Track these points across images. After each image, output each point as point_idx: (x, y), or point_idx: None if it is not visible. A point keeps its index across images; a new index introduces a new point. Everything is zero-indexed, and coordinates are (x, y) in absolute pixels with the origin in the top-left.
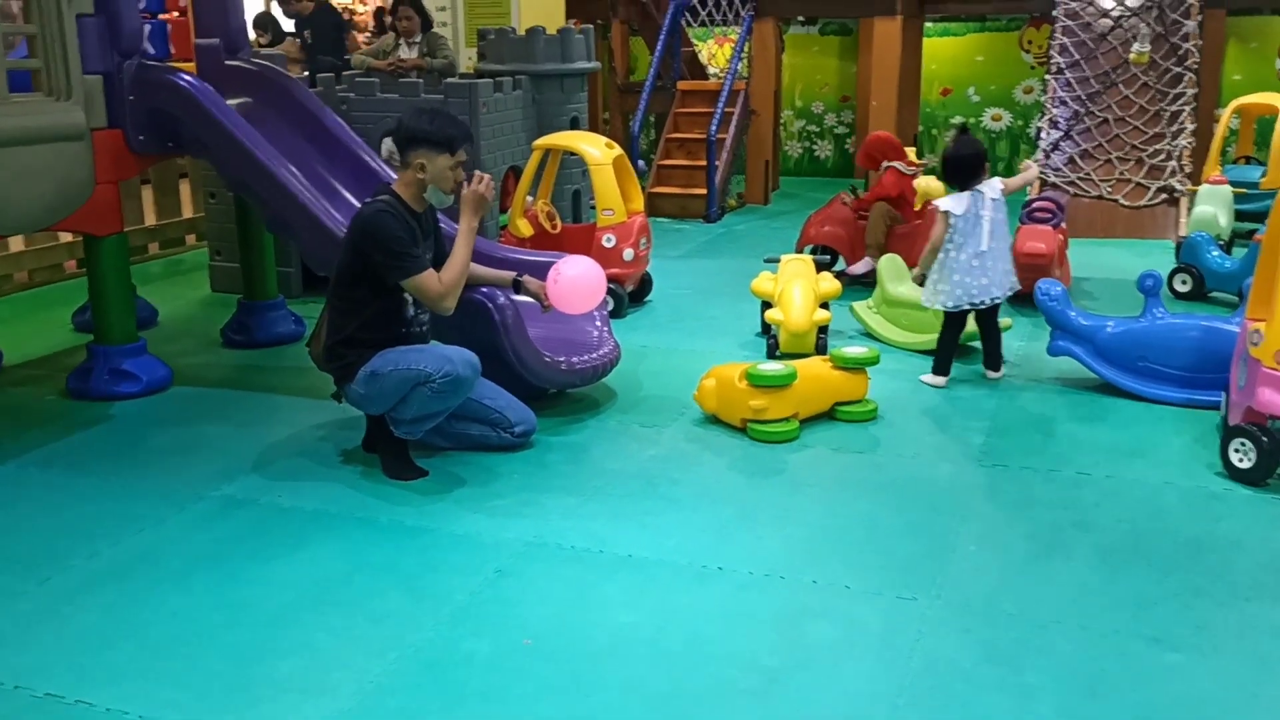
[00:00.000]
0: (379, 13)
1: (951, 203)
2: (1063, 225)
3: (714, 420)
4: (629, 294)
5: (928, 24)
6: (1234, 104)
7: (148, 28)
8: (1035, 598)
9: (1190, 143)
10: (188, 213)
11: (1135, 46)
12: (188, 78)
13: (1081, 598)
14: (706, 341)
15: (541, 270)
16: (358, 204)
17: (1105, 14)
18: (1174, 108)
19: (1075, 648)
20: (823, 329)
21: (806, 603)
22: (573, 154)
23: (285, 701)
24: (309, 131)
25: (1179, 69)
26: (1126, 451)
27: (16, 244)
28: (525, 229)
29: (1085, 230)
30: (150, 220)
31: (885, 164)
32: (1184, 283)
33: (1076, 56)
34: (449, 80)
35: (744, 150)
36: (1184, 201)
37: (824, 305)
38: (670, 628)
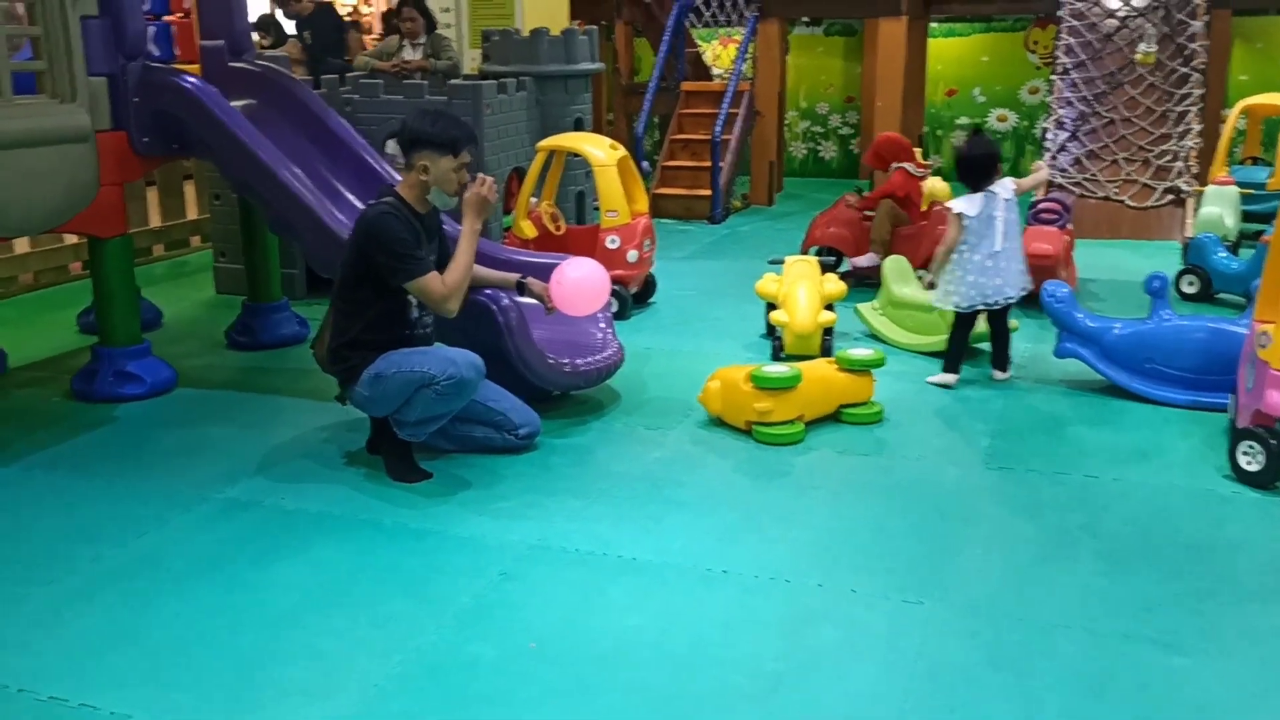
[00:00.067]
0: (387, 15)
1: (964, 204)
2: (1069, 226)
3: (719, 423)
4: (633, 295)
5: (933, 24)
6: (1241, 104)
7: (152, 29)
8: (1041, 601)
9: (1197, 143)
10: (192, 214)
11: (1142, 47)
12: (192, 80)
13: (1088, 601)
14: (711, 343)
15: (545, 272)
16: (361, 206)
17: (1111, 14)
18: (1180, 108)
19: (1081, 651)
20: (828, 331)
21: (812, 606)
22: (577, 155)
23: (289, 705)
24: (312, 133)
25: (1185, 69)
26: (1133, 454)
27: (22, 245)
28: (529, 230)
29: (1092, 231)
30: (155, 222)
31: (894, 165)
32: (1191, 284)
33: (1082, 57)
34: (453, 81)
35: (748, 151)
36: (1190, 202)
37: (829, 307)
38: (675, 631)
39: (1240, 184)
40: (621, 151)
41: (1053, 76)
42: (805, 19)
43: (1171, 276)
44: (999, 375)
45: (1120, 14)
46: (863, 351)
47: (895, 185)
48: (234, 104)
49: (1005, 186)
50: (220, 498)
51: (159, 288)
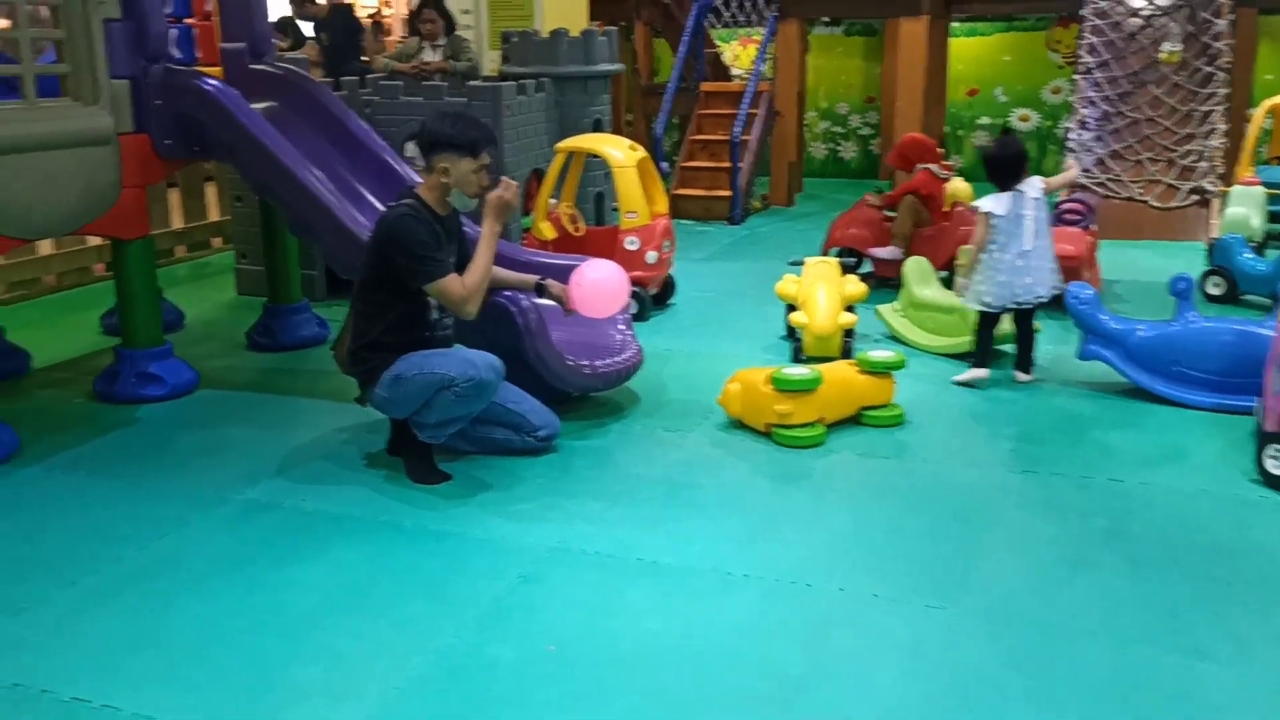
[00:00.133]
0: (411, 18)
1: (992, 203)
2: (1093, 227)
3: (738, 425)
4: (652, 297)
5: (954, 24)
6: (1266, 104)
7: (174, 32)
8: (1065, 606)
9: (1222, 143)
10: (214, 216)
11: (1166, 46)
12: (213, 82)
13: (1112, 607)
14: (730, 345)
15: (564, 274)
16: (381, 207)
17: (1135, 13)
18: (1205, 108)
19: (1105, 657)
20: (848, 332)
21: (832, 611)
22: (596, 156)
23: (309, 707)
24: (333, 135)
25: (1210, 69)
26: (1159, 457)
27: (45, 247)
28: (548, 232)
29: (1115, 232)
30: (176, 224)
31: (919, 166)
32: (1216, 285)
33: (1106, 56)
34: (472, 83)
35: (768, 152)
36: (1215, 203)
37: (849, 309)
38: (695, 635)
39: (1266, 184)
40: (641, 152)
41: (1075, 76)
42: (825, 19)
43: (1196, 278)
44: (1022, 378)
45: (1144, 13)
46: (883, 353)
47: (919, 183)
48: (255, 106)
49: (1034, 185)
50: (241, 499)
51: (181, 289)
